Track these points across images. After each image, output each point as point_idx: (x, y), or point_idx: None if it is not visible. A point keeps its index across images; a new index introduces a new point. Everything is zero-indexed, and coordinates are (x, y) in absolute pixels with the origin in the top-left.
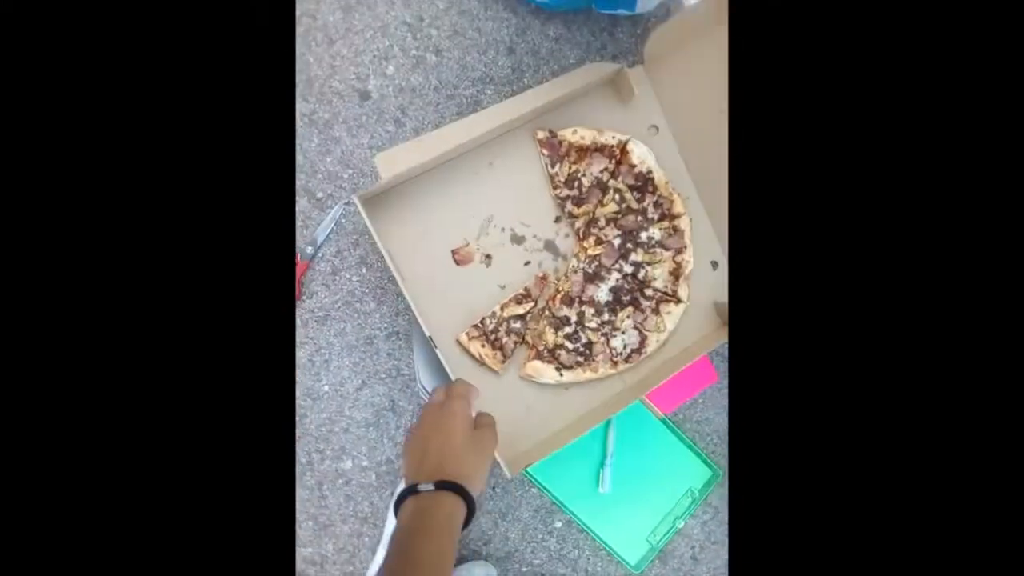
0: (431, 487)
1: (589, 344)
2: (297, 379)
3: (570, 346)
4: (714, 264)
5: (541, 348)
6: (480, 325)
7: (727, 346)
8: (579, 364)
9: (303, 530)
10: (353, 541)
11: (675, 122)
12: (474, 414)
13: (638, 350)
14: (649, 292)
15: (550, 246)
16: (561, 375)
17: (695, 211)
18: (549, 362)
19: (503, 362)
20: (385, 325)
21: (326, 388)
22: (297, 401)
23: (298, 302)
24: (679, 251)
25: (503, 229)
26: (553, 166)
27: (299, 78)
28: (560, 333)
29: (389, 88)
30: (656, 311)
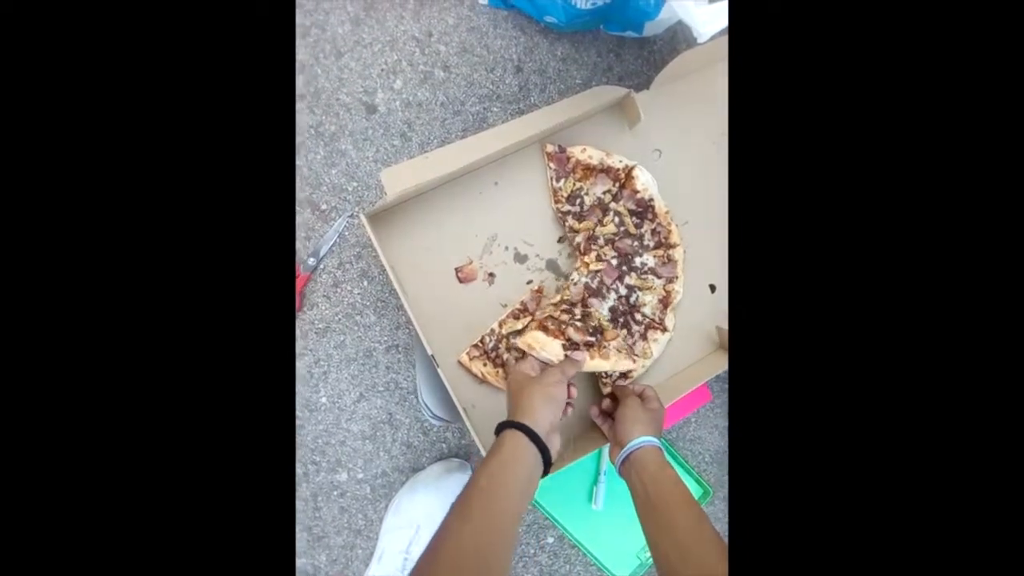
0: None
1: (600, 329)
2: (295, 390)
3: (579, 324)
4: (712, 287)
5: (545, 319)
6: (480, 344)
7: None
8: (589, 345)
9: (296, 541)
10: (346, 553)
11: (679, 147)
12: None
13: (625, 374)
14: (639, 317)
15: (552, 265)
16: (567, 353)
17: (694, 234)
18: (555, 335)
19: (505, 379)
20: (385, 338)
21: (324, 400)
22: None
23: (299, 313)
24: (670, 280)
25: (507, 248)
26: (558, 180)
27: (306, 90)
28: (568, 317)
29: (396, 102)
30: (644, 337)
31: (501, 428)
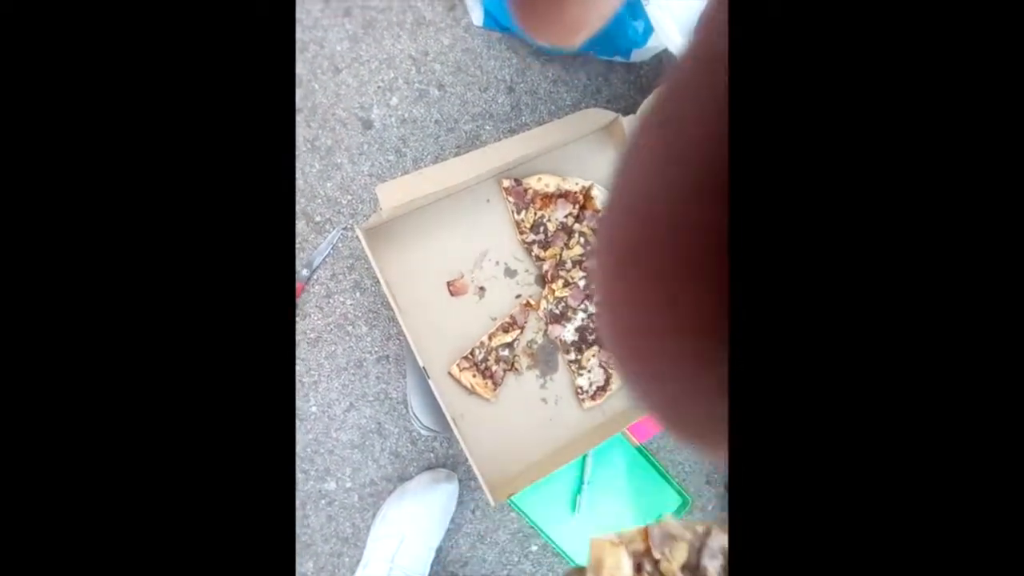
0: None
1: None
2: (295, 401)
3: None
4: None
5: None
6: (470, 356)
7: None
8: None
9: None
10: (333, 561)
11: None
12: None
13: (603, 387)
14: None
15: (540, 280)
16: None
17: None
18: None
19: (494, 390)
20: (376, 349)
21: (314, 409)
22: None
23: None
24: None
25: (497, 263)
26: (519, 212)
27: (304, 104)
28: None
29: (392, 119)
30: None
31: None
